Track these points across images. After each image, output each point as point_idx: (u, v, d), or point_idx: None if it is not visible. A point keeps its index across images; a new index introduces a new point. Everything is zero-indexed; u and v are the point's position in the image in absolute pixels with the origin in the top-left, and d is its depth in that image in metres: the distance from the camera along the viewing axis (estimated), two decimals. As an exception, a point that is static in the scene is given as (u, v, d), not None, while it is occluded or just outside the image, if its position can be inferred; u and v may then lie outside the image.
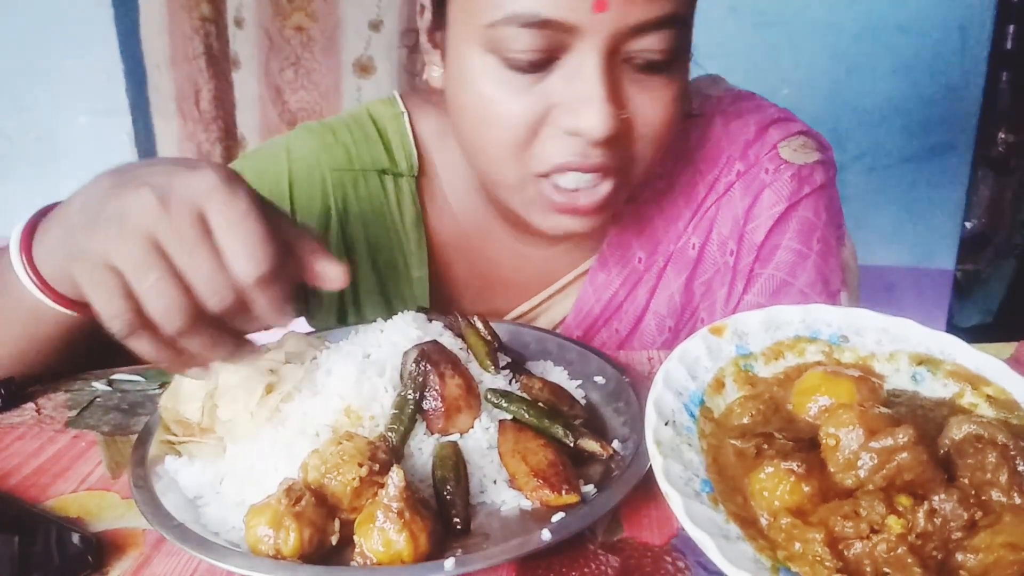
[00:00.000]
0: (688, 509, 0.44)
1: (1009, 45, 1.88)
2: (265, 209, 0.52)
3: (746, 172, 0.83)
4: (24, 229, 0.63)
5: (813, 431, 0.50)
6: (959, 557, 0.42)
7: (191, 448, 0.60)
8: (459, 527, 0.53)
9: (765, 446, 0.49)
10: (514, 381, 0.64)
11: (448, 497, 0.54)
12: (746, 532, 0.44)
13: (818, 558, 0.42)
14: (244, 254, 0.49)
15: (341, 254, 0.86)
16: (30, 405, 0.72)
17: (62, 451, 0.65)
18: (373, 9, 2.07)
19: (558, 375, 0.69)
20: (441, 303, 0.90)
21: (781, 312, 0.60)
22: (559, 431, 0.58)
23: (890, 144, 1.93)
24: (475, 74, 0.68)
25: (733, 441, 0.50)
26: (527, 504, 0.55)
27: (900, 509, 0.43)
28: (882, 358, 0.58)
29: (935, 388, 0.56)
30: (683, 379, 0.54)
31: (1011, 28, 1.87)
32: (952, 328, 2.10)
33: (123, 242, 0.50)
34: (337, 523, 0.51)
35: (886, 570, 0.42)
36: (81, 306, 0.62)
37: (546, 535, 0.49)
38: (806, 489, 0.45)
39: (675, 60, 0.68)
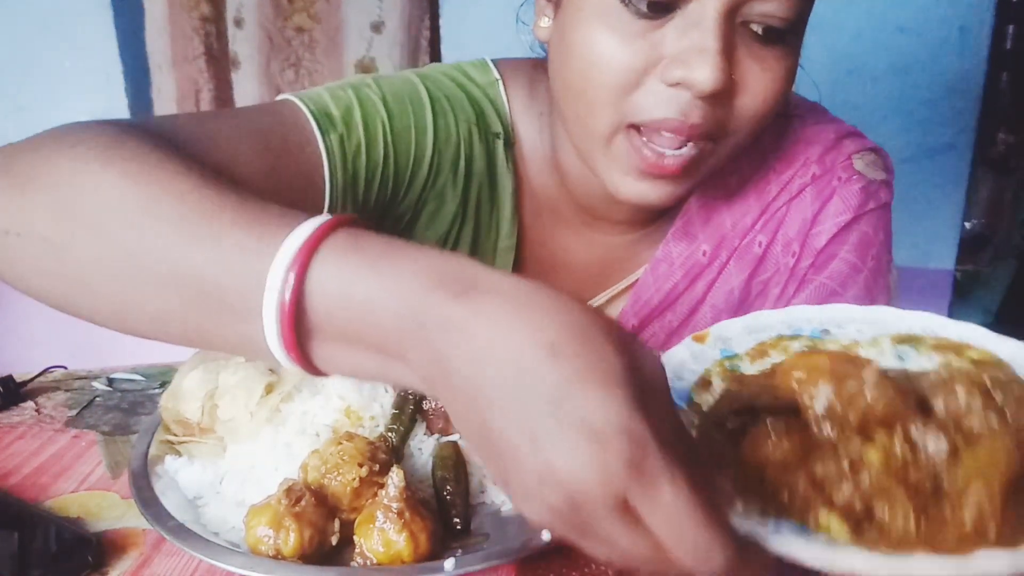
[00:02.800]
0: None
1: (1009, 45, 1.88)
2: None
3: (821, 176, 0.83)
4: (306, 244, 0.42)
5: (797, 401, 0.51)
6: (946, 483, 0.43)
7: (191, 448, 0.60)
8: (459, 527, 0.53)
9: (751, 420, 0.50)
10: (514, 381, 0.64)
11: (448, 497, 0.53)
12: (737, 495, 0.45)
13: (804, 498, 0.43)
14: (693, 559, 0.37)
15: (458, 212, 0.84)
16: (30, 404, 0.72)
17: (62, 451, 0.65)
18: (375, 11, 2.07)
19: (558, 375, 0.69)
20: None
21: (762, 317, 0.61)
22: (559, 431, 0.58)
23: (890, 144, 1.91)
24: (591, 14, 0.67)
25: (721, 425, 0.51)
26: (527, 504, 0.55)
27: (878, 444, 0.44)
28: (865, 344, 0.59)
29: (921, 362, 0.56)
30: (669, 380, 0.55)
31: (1011, 28, 1.87)
32: (952, 328, 2.10)
33: (562, 533, 0.38)
34: (337, 523, 0.51)
35: (873, 502, 0.43)
36: (306, 363, 0.44)
37: (546, 536, 0.49)
38: (786, 444, 0.46)
39: (791, 34, 0.68)
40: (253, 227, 0.44)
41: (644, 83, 0.67)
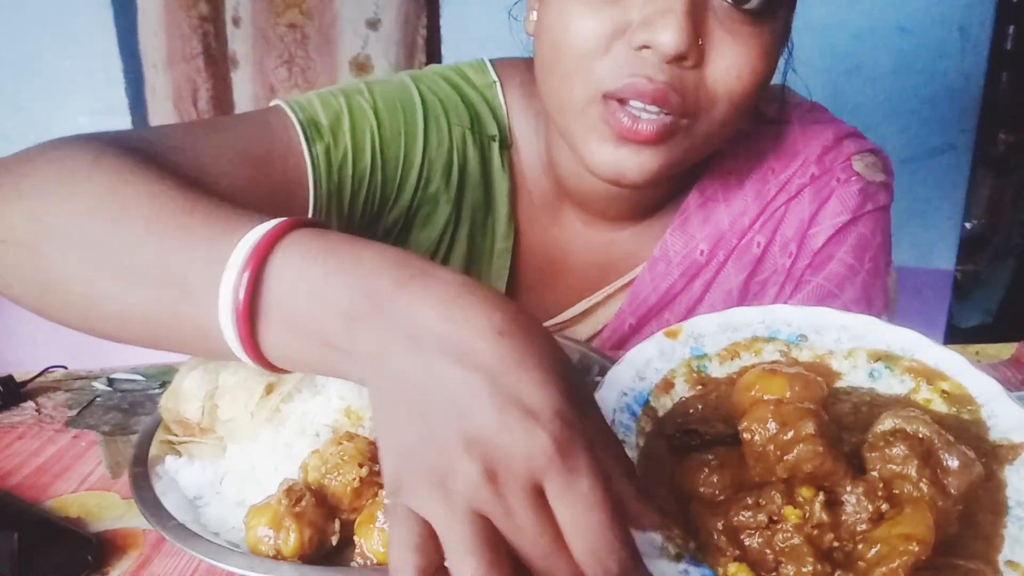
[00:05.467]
0: None
1: (1009, 45, 1.88)
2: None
3: (819, 177, 0.83)
4: (267, 236, 0.43)
5: None
6: (860, 549, 0.43)
7: (191, 448, 0.60)
8: (459, 527, 0.52)
9: (696, 442, 0.50)
10: (514, 381, 0.64)
11: (448, 497, 0.53)
12: (662, 523, 0.45)
13: (718, 546, 0.43)
14: (591, 554, 0.37)
15: (452, 215, 0.84)
16: (30, 405, 0.72)
17: (62, 451, 0.65)
18: (371, 8, 2.07)
19: (558, 375, 0.69)
20: (508, 281, 0.89)
21: (740, 314, 0.60)
22: (559, 431, 0.58)
23: (890, 144, 1.91)
24: None
25: (668, 437, 0.51)
26: (527, 504, 0.55)
27: (800, 500, 0.43)
28: (840, 355, 0.58)
29: (892, 384, 0.56)
30: (630, 380, 0.55)
31: (1011, 28, 1.87)
32: (952, 328, 2.10)
33: (444, 509, 0.37)
34: (337, 523, 0.51)
35: (782, 559, 0.42)
36: (258, 355, 0.45)
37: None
38: (716, 481, 0.46)
39: (767, 14, 0.68)
40: (221, 222, 0.46)
41: (612, 48, 0.68)
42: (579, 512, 0.36)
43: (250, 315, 0.43)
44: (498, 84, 0.87)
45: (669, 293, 0.87)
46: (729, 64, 0.68)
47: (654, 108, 0.67)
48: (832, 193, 0.83)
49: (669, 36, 0.64)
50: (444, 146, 0.83)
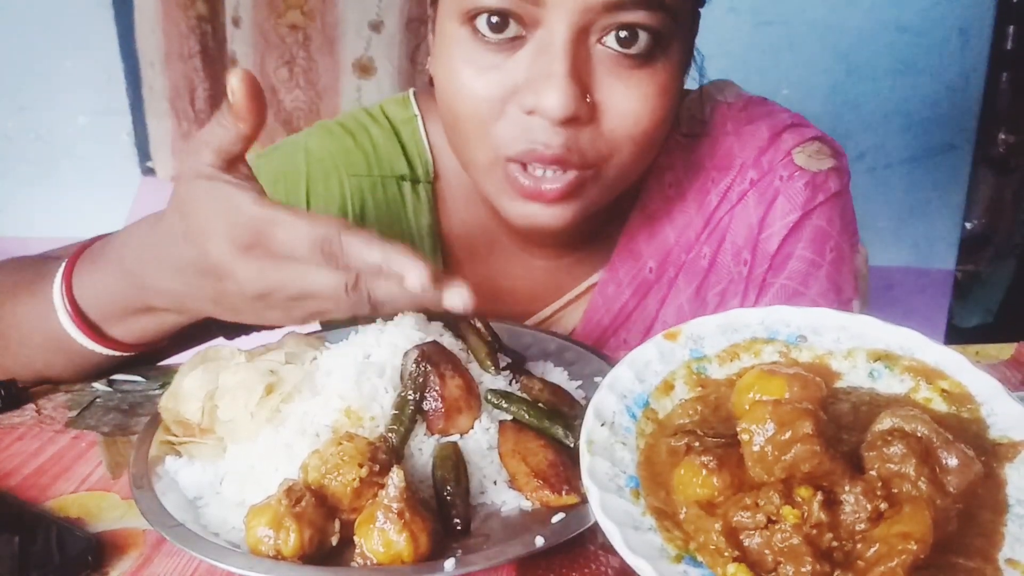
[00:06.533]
0: (603, 501, 0.46)
1: (1009, 45, 1.88)
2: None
3: (760, 180, 0.81)
4: (64, 271, 0.66)
5: None
6: (859, 548, 0.43)
7: (191, 448, 0.60)
8: (459, 528, 0.53)
9: (696, 444, 0.50)
10: (514, 382, 0.64)
11: (448, 498, 0.54)
12: (662, 524, 0.45)
13: (717, 547, 0.44)
14: (301, 243, 0.54)
15: None
16: (30, 405, 0.72)
17: (62, 451, 0.65)
18: (373, 9, 2.07)
19: (558, 376, 0.69)
20: (450, 314, 0.89)
21: (740, 315, 0.60)
22: (559, 431, 0.58)
23: (890, 144, 1.92)
24: (450, 48, 0.67)
25: (668, 439, 0.51)
26: (527, 505, 0.55)
27: (799, 500, 0.44)
28: (839, 355, 0.58)
29: (892, 384, 0.56)
30: (629, 383, 0.55)
31: (1011, 28, 1.87)
32: (952, 328, 2.10)
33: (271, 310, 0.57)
34: (337, 524, 0.51)
35: (781, 560, 0.43)
36: (121, 345, 0.68)
37: (539, 541, 0.49)
38: (716, 482, 0.46)
39: (658, 52, 0.66)
40: (51, 268, 0.68)
41: (506, 112, 0.66)
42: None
43: (87, 324, 0.67)
44: (420, 118, 0.86)
45: (622, 312, 0.85)
46: (624, 111, 0.66)
47: (554, 168, 0.67)
48: (778, 193, 0.81)
49: (554, 101, 0.62)
50: (335, 201, 0.84)
